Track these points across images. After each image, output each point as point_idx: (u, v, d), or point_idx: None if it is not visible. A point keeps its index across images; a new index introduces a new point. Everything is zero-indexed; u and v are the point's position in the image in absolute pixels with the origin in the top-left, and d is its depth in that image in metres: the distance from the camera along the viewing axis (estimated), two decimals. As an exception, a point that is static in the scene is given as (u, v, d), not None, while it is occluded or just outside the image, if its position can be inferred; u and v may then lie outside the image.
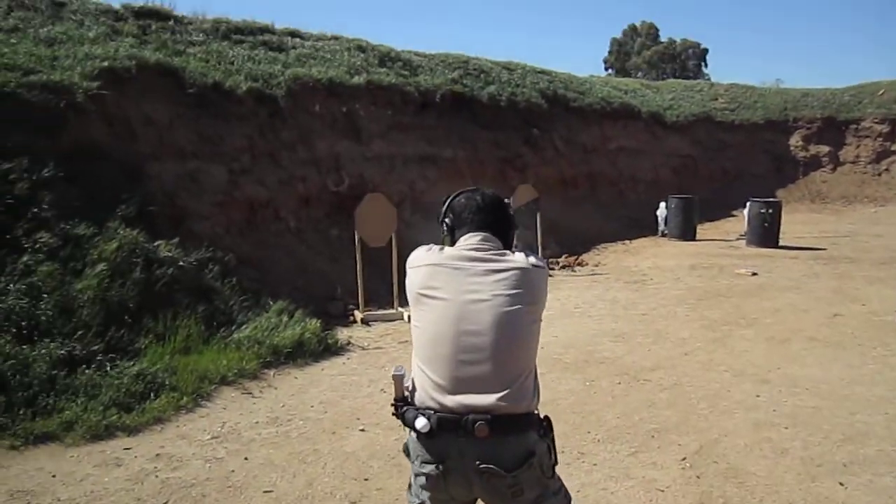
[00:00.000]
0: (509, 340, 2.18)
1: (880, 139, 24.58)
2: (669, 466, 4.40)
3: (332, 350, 7.07)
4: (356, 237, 8.58)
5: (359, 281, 8.53)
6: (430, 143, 13.94)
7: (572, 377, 6.27)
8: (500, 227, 2.39)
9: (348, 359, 6.94)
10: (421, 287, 2.28)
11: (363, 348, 7.33)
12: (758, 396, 5.68)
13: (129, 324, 6.12)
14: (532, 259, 2.30)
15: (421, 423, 2.17)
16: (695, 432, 4.95)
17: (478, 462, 2.13)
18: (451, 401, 2.16)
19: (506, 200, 2.51)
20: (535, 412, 2.26)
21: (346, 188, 11.33)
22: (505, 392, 2.15)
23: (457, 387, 2.17)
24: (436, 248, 2.34)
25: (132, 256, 6.66)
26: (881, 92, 25.73)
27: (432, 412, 2.17)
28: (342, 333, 7.74)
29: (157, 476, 4.28)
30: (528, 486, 2.18)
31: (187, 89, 9.47)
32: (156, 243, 7.12)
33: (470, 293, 2.21)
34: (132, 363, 5.60)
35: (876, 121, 24.75)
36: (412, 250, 2.40)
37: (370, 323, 8.38)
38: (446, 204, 2.47)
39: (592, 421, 5.19)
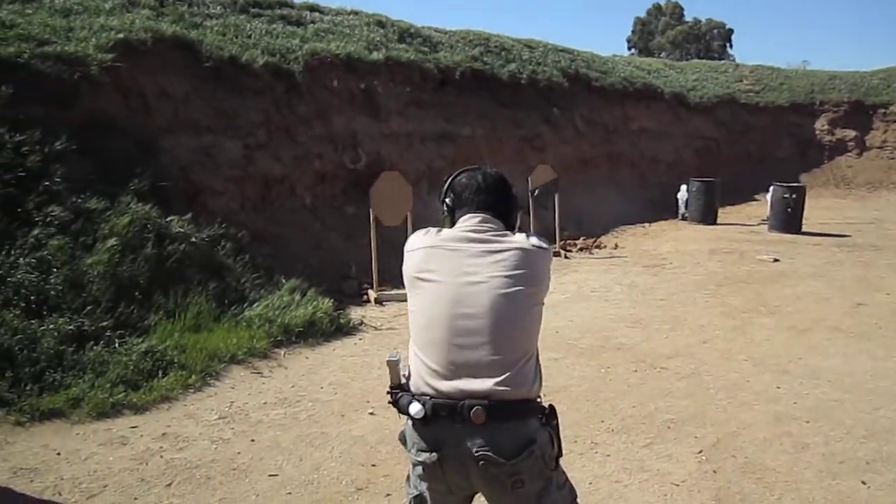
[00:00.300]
0: (507, 323, 2.09)
1: (908, 124, 24.01)
2: (685, 459, 4.27)
3: (344, 330, 6.99)
4: (371, 215, 8.47)
5: (373, 260, 8.44)
6: (448, 121, 13.75)
7: (587, 363, 6.15)
8: (502, 207, 2.31)
9: (360, 339, 6.86)
10: (416, 270, 2.21)
11: (376, 328, 7.24)
12: (778, 388, 5.53)
13: (139, 300, 6.06)
14: (534, 240, 2.21)
15: (415, 408, 2.09)
16: (712, 424, 4.82)
17: (475, 449, 2.04)
18: (447, 386, 2.08)
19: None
20: (538, 399, 2.18)
21: (362, 165, 11.20)
22: (503, 377, 2.07)
23: (453, 372, 2.09)
24: (433, 230, 2.27)
25: (144, 232, 6.60)
26: (911, 76, 25.11)
27: (427, 398, 2.10)
28: (355, 313, 7.66)
29: (161, 456, 4.22)
30: (530, 477, 2.09)
31: (203, 63, 9.34)
32: (168, 219, 7.05)
33: (466, 275, 2.13)
34: (141, 340, 5.56)
35: (905, 105, 24.16)
36: (427, 226, 2.31)
37: (384, 303, 8.29)
38: (447, 183, 2.39)
39: (607, 409, 5.07)
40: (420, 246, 2.24)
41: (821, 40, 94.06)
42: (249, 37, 10.71)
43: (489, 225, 2.22)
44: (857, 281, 9.81)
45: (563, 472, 2.29)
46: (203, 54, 9.37)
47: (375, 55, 12.41)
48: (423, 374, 2.14)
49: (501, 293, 2.10)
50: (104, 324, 5.57)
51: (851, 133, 24.50)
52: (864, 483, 3.99)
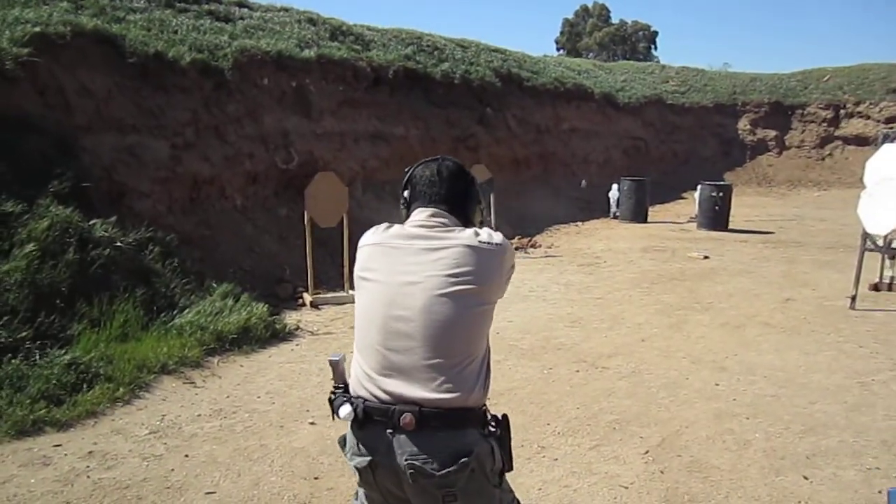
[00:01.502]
0: (442, 326, 1.98)
1: (824, 124, 25.06)
2: (632, 461, 4.26)
3: (279, 336, 6.77)
4: (306, 217, 8.26)
5: (308, 262, 8.22)
6: (382, 121, 13.60)
7: (529, 364, 6.10)
8: (457, 200, 2.20)
9: (297, 345, 6.66)
10: (360, 269, 2.13)
11: (313, 333, 7.05)
12: (717, 385, 5.59)
13: (60, 309, 5.70)
14: (483, 236, 2.09)
15: (345, 411, 2.02)
16: (656, 424, 4.82)
17: (405, 458, 1.94)
18: (381, 390, 2.00)
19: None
20: (481, 407, 2.07)
21: (295, 166, 10.95)
22: (437, 382, 1.97)
23: (386, 376, 2.00)
24: (384, 226, 2.17)
25: (65, 236, 6.23)
26: (826, 78, 26.21)
27: (361, 401, 2.01)
28: (290, 318, 7.45)
29: (88, 476, 3.96)
30: (466, 493, 1.97)
31: (127, 59, 8.93)
32: (91, 222, 6.69)
33: (403, 275, 2.03)
34: (64, 352, 5.21)
35: (820, 106, 25.22)
36: (363, 231, 2.23)
37: (320, 306, 8.09)
38: (407, 175, 2.27)
39: (552, 412, 5.02)
40: (366, 243, 2.16)
41: (740, 43, 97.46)
42: (176, 32, 10.32)
43: (439, 220, 2.13)
44: (784, 276, 10.09)
45: (510, 491, 2.20)
46: (126, 50, 8.96)
47: (307, 53, 12.16)
48: (359, 376, 2.06)
49: (437, 294, 1.99)
50: (23, 335, 5.22)
51: (772, 133, 25.44)
52: (805, 478, 4.04)
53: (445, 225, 2.12)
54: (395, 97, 14.17)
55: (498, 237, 2.13)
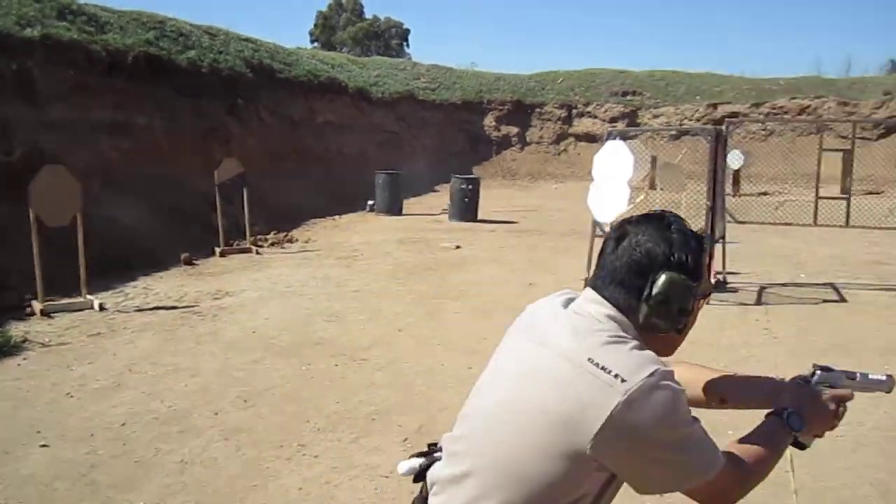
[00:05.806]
0: None
1: (559, 122, 27.43)
2: (392, 450, 4.31)
3: (3, 350, 6.01)
4: (31, 215, 7.40)
5: (36, 266, 7.38)
6: (121, 110, 12.58)
7: (287, 362, 5.98)
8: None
9: (25, 359, 5.95)
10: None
11: (44, 345, 6.35)
12: (470, 368, 5.84)
13: None
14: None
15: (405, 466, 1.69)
16: (414, 411, 4.94)
17: None
18: None
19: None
20: None
21: (17, 158, 9.79)
22: None
23: None
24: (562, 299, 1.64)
25: None
26: (560, 80, 28.66)
27: None
28: (17, 329, 6.65)
29: None
30: None
31: None
32: None
33: None
34: None
35: (556, 106, 27.57)
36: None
37: (52, 315, 7.31)
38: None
39: (311, 408, 4.95)
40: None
41: (485, 43, 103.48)
42: None
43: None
44: (528, 263, 10.84)
45: None
46: None
47: (30, 32, 10.93)
48: None
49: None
50: None
51: (514, 129, 27.35)
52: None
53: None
54: (137, 85, 13.20)
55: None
